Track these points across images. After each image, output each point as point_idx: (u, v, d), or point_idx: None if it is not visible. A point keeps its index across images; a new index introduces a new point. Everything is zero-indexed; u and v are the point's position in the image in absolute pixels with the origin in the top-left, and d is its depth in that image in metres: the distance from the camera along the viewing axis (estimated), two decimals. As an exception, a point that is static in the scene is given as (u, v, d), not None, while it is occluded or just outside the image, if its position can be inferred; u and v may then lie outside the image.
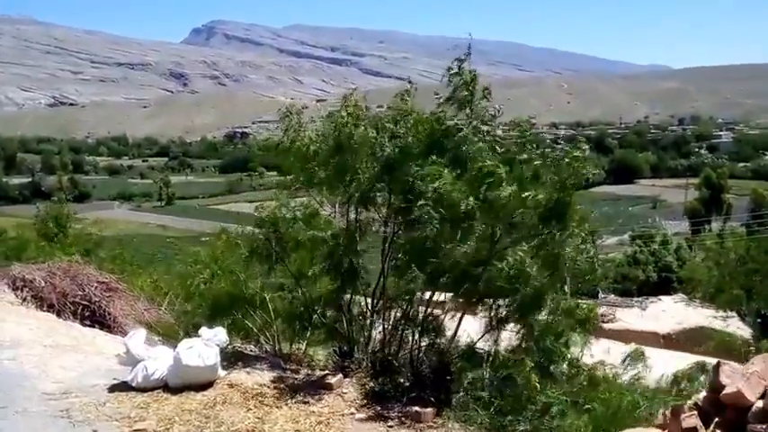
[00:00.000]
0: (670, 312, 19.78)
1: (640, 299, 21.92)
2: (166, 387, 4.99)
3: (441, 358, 5.37)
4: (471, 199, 4.81)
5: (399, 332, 5.61)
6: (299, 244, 5.63)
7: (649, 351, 7.84)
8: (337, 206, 5.94)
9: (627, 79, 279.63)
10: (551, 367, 5.23)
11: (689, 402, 3.40)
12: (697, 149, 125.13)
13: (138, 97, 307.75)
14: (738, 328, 18.96)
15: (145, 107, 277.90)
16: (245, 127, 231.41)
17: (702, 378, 7.58)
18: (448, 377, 5.29)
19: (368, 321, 5.76)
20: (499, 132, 5.53)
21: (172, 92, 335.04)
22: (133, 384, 4.99)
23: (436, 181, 5.02)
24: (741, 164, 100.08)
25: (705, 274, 27.29)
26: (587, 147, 5.02)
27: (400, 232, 5.56)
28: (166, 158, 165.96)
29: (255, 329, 5.93)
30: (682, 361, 9.66)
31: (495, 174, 4.81)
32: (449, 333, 5.52)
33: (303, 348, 5.98)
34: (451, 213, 4.91)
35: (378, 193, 5.61)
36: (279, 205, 5.66)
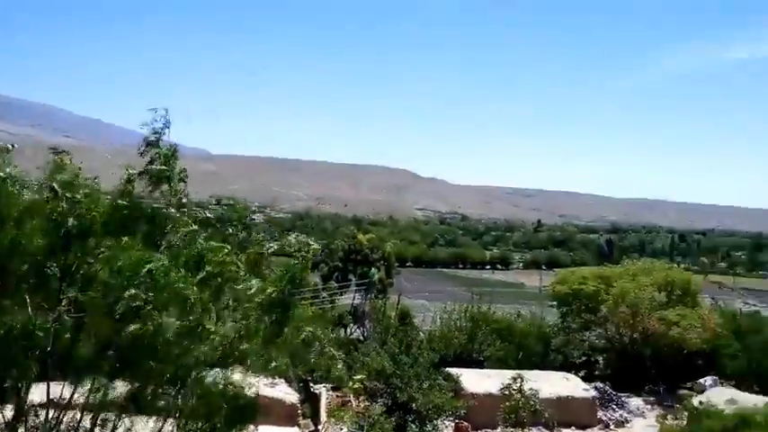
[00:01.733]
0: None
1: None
2: None
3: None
4: (200, 293, 4.30)
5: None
6: None
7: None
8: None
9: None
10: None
11: None
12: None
13: None
14: (287, 393, 21.43)
15: None
16: None
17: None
18: None
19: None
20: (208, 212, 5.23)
21: None
22: None
23: (146, 264, 4.31)
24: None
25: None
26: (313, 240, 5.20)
27: (84, 325, 4.45)
28: None
29: None
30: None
31: (226, 262, 4.47)
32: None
33: None
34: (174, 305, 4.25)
35: (50, 276, 4.39)
36: None
